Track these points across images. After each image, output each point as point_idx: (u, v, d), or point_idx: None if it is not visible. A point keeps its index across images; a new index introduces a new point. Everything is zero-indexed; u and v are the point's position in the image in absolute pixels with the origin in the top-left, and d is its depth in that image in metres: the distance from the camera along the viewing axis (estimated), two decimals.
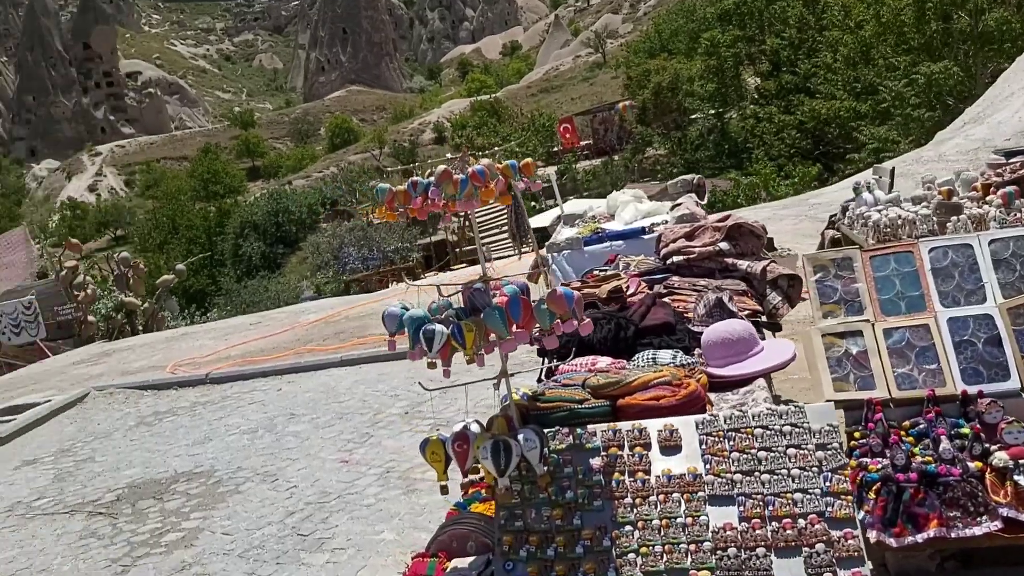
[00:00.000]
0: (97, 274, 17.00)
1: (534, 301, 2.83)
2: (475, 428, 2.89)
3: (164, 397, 6.89)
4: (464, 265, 37.49)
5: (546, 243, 6.74)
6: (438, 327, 2.73)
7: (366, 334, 7.95)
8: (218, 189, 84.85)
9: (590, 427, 2.95)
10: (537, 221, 20.73)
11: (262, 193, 71.08)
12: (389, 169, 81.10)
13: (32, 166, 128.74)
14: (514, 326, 2.77)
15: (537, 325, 2.82)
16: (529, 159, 3.05)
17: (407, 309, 2.88)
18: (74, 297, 13.85)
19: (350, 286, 26.47)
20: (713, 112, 35.96)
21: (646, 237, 5.52)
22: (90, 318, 13.83)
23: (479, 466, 2.86)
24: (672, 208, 5.59)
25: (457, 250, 38.36)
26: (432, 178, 2.88)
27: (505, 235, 20.67)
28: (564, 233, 6.43)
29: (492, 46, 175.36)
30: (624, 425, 2.93)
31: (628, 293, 3.98)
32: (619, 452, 2.90)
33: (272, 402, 6.28)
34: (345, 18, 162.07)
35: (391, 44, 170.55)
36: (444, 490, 2.86)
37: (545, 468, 2.82)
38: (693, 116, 37.47)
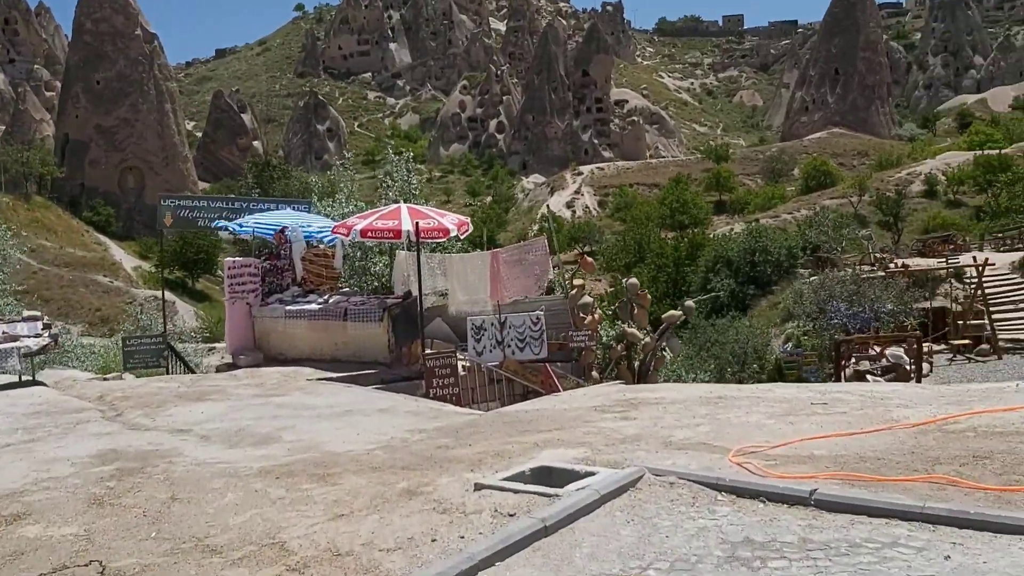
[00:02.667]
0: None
1: None
2: None
3: (750, 513, 4.79)
4: (968, 341, 32.00)
5: None
6: None
7: None
8: (684, 219, 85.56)
9: None
10: None
11: (732, 229, 69.63)
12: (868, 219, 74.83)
13: (522, 179, 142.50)
14: None
15: None
16: None
17: None
18: (580, 320, 12.86)
19: (840, 346, 23.24)
20: None
21: None
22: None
23: None
24: None
25: (960, 322, 32.89)
26: None
27: None
28: None
29: (1001, 97, 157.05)
30: None
31: None
32: None
33: None
34: (840, 58, 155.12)
35: (884, 88, 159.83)
36: None
37: None
38: None
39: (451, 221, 12.17)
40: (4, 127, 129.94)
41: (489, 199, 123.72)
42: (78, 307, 74.05)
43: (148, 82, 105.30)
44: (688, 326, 34.28)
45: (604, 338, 13.19)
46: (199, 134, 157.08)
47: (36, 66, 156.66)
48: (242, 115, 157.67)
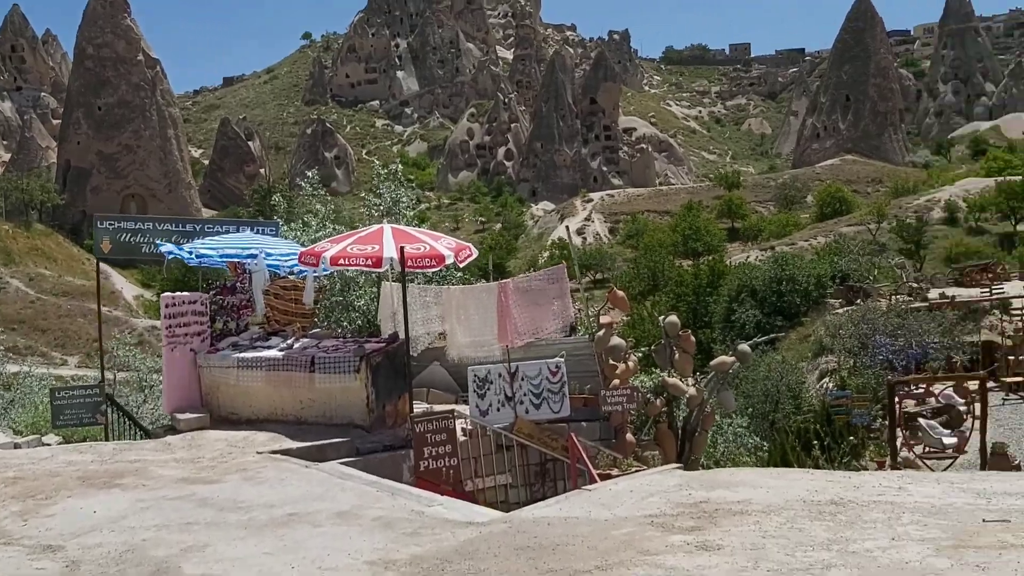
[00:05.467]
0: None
1: None
2: None
3: None
4: (1021, 379, 29.23)
5: None
6: None
7: None
8: (697, 246, 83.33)
9: None
10: None
11: (748, 257, 67.15)
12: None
13: (532, 206, 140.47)
14: None
15: None
16: None
17: None
18: (610, 368, 10.31)
19: (894, 388, 20.55)
20: None
21: None
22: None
23: None
24: None
25: (1011, 358, 30.15)
26: None
27: None
28: None
29: (1015, 125, 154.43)
30: None
31: None
32: None
33: None
34: (851, 85, 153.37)
35: (896, 115, 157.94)
36: None
37: None
38: None
39: (446, 245, 9.65)
40: (11, 155, 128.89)
41: (498, 226, 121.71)
42: (75, 337, 71.75)
43: (151, 108, 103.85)
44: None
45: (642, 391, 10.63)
46: (206, 162, 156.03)
47: (43, 93, 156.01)
48: (249, 143, 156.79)
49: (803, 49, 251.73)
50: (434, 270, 11.92)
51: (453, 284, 14.07)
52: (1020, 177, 77.96)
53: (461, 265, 10.61)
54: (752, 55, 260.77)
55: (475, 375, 9.78)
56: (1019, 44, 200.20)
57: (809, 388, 28.03)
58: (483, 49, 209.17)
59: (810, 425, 19.39)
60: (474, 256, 10.27)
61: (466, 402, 11.24)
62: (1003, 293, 34.30)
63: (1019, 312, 31.86)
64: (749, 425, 23.02)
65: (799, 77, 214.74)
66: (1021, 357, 29.52)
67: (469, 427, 9.61)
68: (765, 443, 19.71)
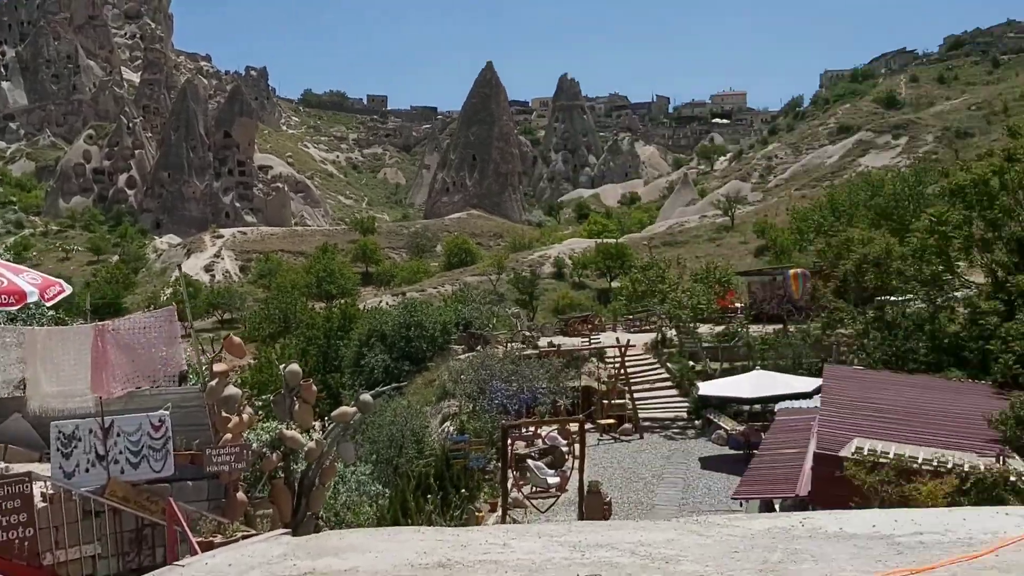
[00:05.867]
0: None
1: None
2: None
3: None
4: (612, 420, 32.57)
5: None
6: None
7: None
8: (331, 289, 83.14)
9: None
10: None
11: (380, 301, 68.23)
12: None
13: (155, 238, 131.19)
14: None
15: None
16: None
17: None
18: (222, 421, 9.48)
19: (506, 431, 21.75)
20: (923, 299, 30.29)
21: None
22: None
23: None
24: None
25: (605, 401, 33.48)
26: None
27: None
28: None
29: (611, 194, 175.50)
30: None
31: None
32: None
33: None
34: (477, 146, 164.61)
35: (516, 177, 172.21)
36: None
37: None
38: (892, 298, 32.16)
39: (30, 281, 8.35)
40: None
41: (116, 258, 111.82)
42: None
43: None
44: (338, 404, 31.28)
45: (255, 444, 9.92)
46: None
47: None
48: None
49: (436, 108, 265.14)
50: (17, 308, 10.32)
51: (44, 324, 12.35)
52: (614, 240, 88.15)
53: (49, 304, 9.28)
54: (389, 107, 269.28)
55: (59, 431, 8.50)
56: (616, 124, 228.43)
57: (432, 432, 28.75)
58: (106, 68, 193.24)
59: (430, 470, 19.82)
60: (66, 293, 9.02)
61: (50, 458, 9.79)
62: (599, 343, 38.20)
63: (612, 360, 35.63)
64: (373, 472, 22.99)
65: (432, 133, 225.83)
66: (612, 401, 33.02)
67: (50, 491, 8.31)
68: (387, 490, 19.76)
